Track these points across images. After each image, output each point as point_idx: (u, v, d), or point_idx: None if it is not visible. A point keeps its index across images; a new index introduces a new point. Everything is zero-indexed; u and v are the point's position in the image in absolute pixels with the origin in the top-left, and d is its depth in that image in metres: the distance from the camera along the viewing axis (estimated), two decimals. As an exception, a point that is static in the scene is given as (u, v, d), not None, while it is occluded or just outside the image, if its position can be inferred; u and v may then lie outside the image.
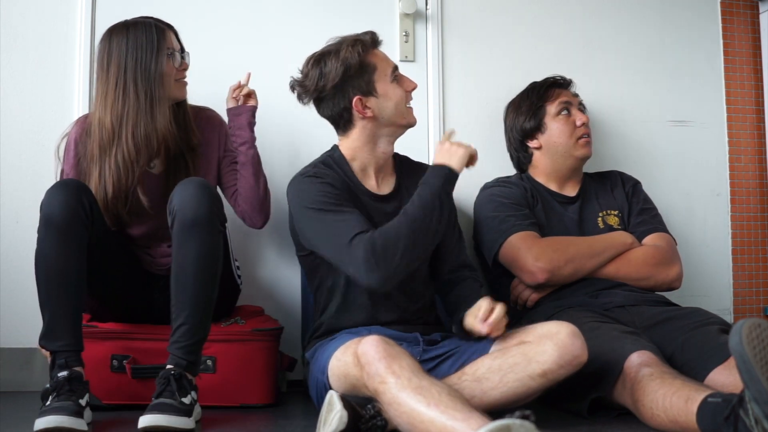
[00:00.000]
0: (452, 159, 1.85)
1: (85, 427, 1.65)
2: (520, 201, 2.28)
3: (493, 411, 1.53)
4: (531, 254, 2.13)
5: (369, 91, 1.92)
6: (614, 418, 1.80)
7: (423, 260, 1.92)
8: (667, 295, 2.25)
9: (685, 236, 2.64)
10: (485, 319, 1.72)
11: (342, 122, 1.98)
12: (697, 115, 2.82)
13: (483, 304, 1.75)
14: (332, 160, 1.99)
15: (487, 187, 2.36)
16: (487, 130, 2.59)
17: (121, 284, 2.00)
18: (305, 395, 1.98)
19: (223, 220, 1.88)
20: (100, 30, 2.35)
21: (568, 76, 2.46)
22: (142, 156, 1.93)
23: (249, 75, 2.19)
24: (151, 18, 2.03)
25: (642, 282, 2.19)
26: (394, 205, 1.93)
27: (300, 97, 2.00)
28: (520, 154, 2.43)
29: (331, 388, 1.70)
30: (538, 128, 2.37)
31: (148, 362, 1.94)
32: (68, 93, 2.34)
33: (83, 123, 2.03)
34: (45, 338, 1.76)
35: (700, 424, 1.48)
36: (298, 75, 1.99)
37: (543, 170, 2.39)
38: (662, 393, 1.60)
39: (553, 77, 2.44)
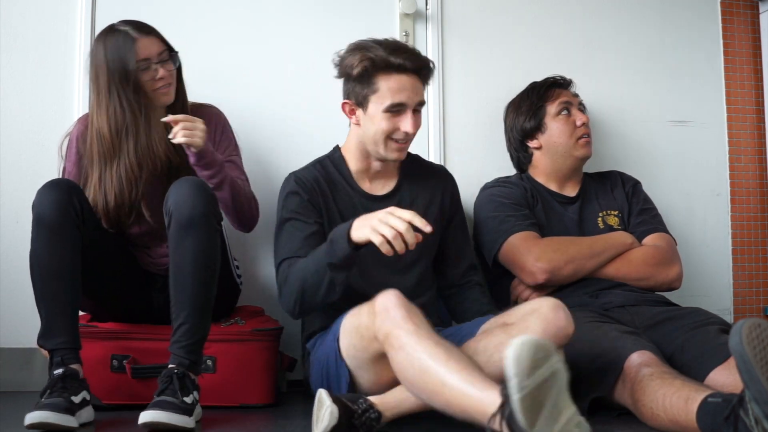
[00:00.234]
0: (362, 226, 1.64)
1: (74, 424, 1.65)
2: (520, 201, 2.28)
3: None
4: (531, 254, 2.13)
5: (360, 103, 1.89)
6: (614, 418, 1.80)
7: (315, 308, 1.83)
8: (667, 295, 2.25)
9: (685, 236, 2.64)
10: None
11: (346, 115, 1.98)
12: (697, 115, 2.82)
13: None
14: (330, 159, 1.99)
15: (487, 187, 2.36)
16: (487, 130, 2.59)
17: (119, 284, 2.00)
18: (305, 395, 1.98)
19: (219, 218, 1.87)
20: (101, 27, 2.37)
21: (568, 76, 2.46)
22: (144, 171, 1.93)
23: (171, 118, 1.93)
24: (128, 24, 1.96)
25: (642, 282, 2.19)
26: (389, 206, 1.84)
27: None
28: (520, 154, 2.43)
29: (340, 354, 1.69)
30: (538, 128, 2.37)
31: (148, 362, 1.94)
32: (68, 93, 2.34)
33: (85, 121, 2.03)
34: (42, 337, 1.78)
35: (700, 424, 1.48)
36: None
37: (543, 170, 2.39)
38: (662, 393, 1.60)
39: (553, 77, 2.44)
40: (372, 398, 1.60)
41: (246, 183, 2.12)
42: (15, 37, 2.34)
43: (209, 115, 2.11)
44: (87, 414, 1.76)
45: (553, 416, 1.22)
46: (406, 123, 1.86)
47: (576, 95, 2.43)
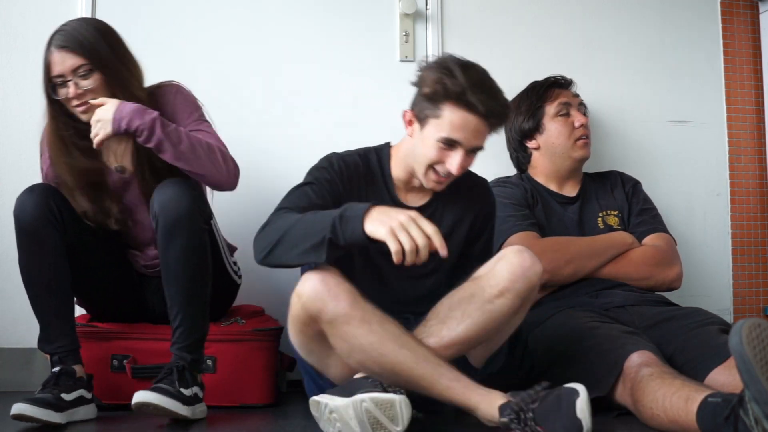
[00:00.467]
0: (378, 219, 1.52)
1: (56, 420, 1.67)
2: (521, 201, 2.28)
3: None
4: None
5: (420, 119, 1.75)
6: (614, 418, 1.79)
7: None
8: (667, 295, 2.25)
9: (685, 236, 2.64)
10: None
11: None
12: (697, 115, 2.82)
13: None
14: (376, 153, 1.88)
15: (487, 187, 2.36)
16: (487, 130, 2.58)
17: (112, 287, 1.99)
18: (305, 395, 1.98)
19: (207, 217, 1.86)
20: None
21: (568, 76, 2.46)
22: (101, 178, 1.91)
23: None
24: (54, 35, 1.88)
25: (642, 282, 2.19)
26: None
27: None
28: (519, 154, 2.43)
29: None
30: (536, 129, 2.37)
31: (148, 362, 1.94)
32: (68, 93, 2.34)
33: None
34: (41, 342, 1.81)
35: (700, 424, 1.48)
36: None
37: (542, 170, 2.39)
38: (662, 393, 1.60)
39: (554, 77, 2.44)
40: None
41: (210, 138, 1.91)
42: (15, 37, 2.34)
43: (163, 97, 1.95)
44: (85, 412, 1.77)
45: None
46: (453, 161, 1.72)
47: (576, 95, 2.43)
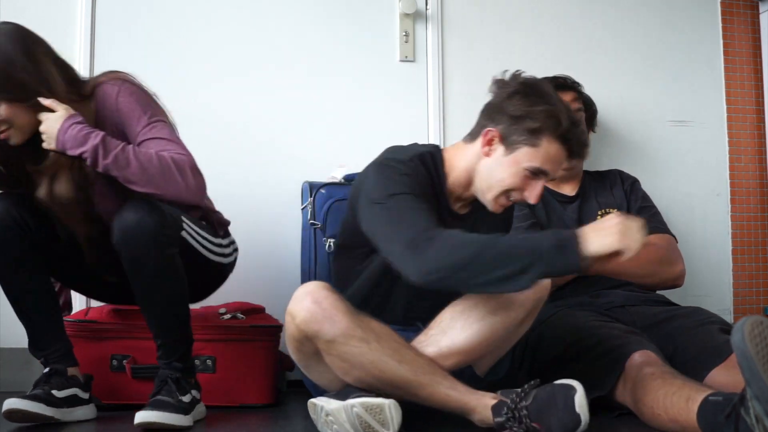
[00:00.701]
0: (595, 235, 1.46)
1: (47, 412, 1.67)
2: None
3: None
4: None
5: (509, 143, 1.68)
6: (615, 418, 1.79)
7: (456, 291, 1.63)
8: (668, 294, 2.25)
9: (685, 236, 2.64)
10: None
11: (476, 130, 1.76)
12: (697, 115, 2.82)
13: None
14: (430, 158, 1.77)
15: (487, 187, 2.35)
16: (487, 130, 2.58)
17: (80, 272, 1.88)
18: (305, 395, 1.97)
19: (175, 230, 1.71)
20: (100, 30, 2.37)
21: (570, 77, 2.45)
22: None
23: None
24: None
25: (647, 279, 2.18)
26: (466, 225, 1.71)
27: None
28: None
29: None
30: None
31: (148, 362, 1.93)
32: (68, 93, 2.34)
33: None
34: (31, 347, 1.81)
35: (701, 424, 1.48)
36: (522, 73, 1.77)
37: (542, 170, 2.38)
38: (663, 392, 1.60)
39: (555, 77, 2.43)
40: None
41: (166, 146, 1.70)
42: (15, 37, 2.34)
43: (106, 101, 1.73)
44: (83, 412, 1.77)
45: None
46: (534, 191, 1.69)
47: (579, 97, 2.42)
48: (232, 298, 2.19)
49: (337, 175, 2.34)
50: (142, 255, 1.64)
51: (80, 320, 1.98)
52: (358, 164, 2.29)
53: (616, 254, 1.45)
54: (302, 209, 2.36)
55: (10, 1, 2.34)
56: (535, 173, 1.68)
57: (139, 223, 1.62)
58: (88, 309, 2.09)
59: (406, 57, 2.60)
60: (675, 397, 1.57)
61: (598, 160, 2.56)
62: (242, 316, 2.08)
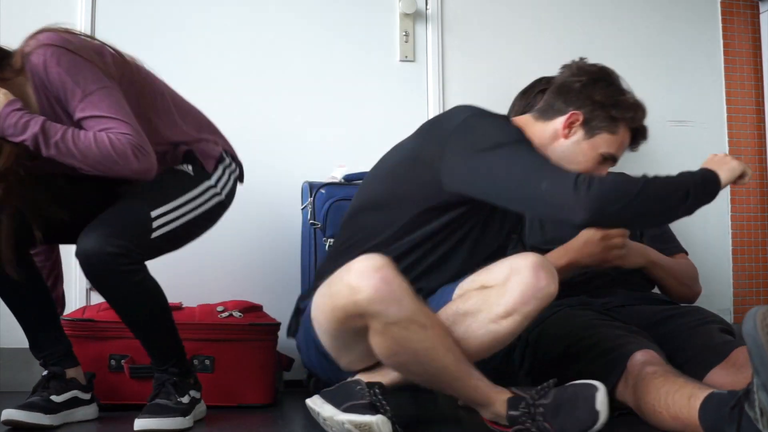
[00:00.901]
0: (720, 168, 1.64)
1: (45, 422, 1.66)
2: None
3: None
4: None
5: (590, 128, 1.73)
6: (615, 417, 1.79)
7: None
8: (668, 294, 2.26)
9: (685, 236, 2.63)
10: None
11: (551, 110, 1.78)
12: (697, 114, 2.82)
13: None
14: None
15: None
16: (486, 130, 2.58)
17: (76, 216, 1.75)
18: (304, 395, 1.97)
19: (138, 256, 1.63)
20: (100, 30, 2.37)
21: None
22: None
23: None
24: None
25: (683, 288, 2.21)
26: None
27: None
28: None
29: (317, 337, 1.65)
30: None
31: (147, 362, 1.92)
32: (68, 93, 2.34)
33: None
34: (31, 349, 1.81)
35: (702, 421, 1.48)
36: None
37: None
38: (665, 390, 1.60)
39: (555, 77, 2.42)
40: (364, 377, 1.60)
41: (103, 124, 1.60)
42: (15, 37, 2.34)
43: (36, 75, 1.63)
44: (83, 413, 1.78)
45: None
46: (598, 171, 1.75)
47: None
48: (231, 297, 2.19)
49: (337, 175, 2.34)
50: (109, 286, 1.62)
51: (77, 319, 1.98)
52: (357, 164, 2.31)
53: (741, 177, 1.65)
54: (302, 209, 2.36)
55: (10, 1, 2.34)
56: (608, 158, 1.76)
57: (99, 254, 1.57)
58: (85, 308, 2.09)
59: (406, 57, 2.60)
60: (677, 395, 1.57)
61: (598, 160, 2.56)
62: (240, 314, 2.07)
